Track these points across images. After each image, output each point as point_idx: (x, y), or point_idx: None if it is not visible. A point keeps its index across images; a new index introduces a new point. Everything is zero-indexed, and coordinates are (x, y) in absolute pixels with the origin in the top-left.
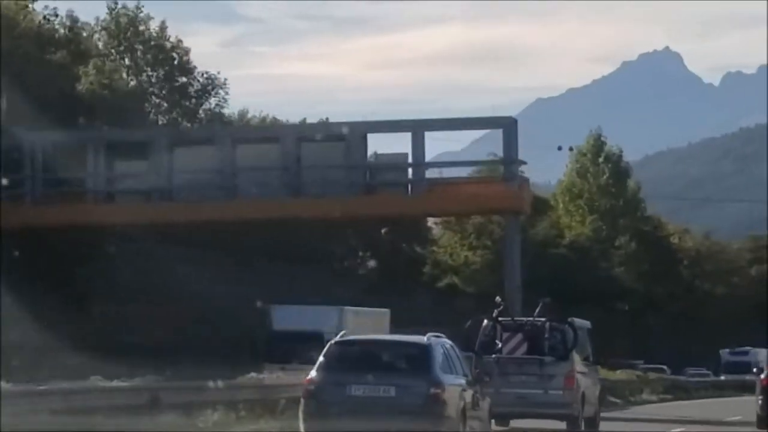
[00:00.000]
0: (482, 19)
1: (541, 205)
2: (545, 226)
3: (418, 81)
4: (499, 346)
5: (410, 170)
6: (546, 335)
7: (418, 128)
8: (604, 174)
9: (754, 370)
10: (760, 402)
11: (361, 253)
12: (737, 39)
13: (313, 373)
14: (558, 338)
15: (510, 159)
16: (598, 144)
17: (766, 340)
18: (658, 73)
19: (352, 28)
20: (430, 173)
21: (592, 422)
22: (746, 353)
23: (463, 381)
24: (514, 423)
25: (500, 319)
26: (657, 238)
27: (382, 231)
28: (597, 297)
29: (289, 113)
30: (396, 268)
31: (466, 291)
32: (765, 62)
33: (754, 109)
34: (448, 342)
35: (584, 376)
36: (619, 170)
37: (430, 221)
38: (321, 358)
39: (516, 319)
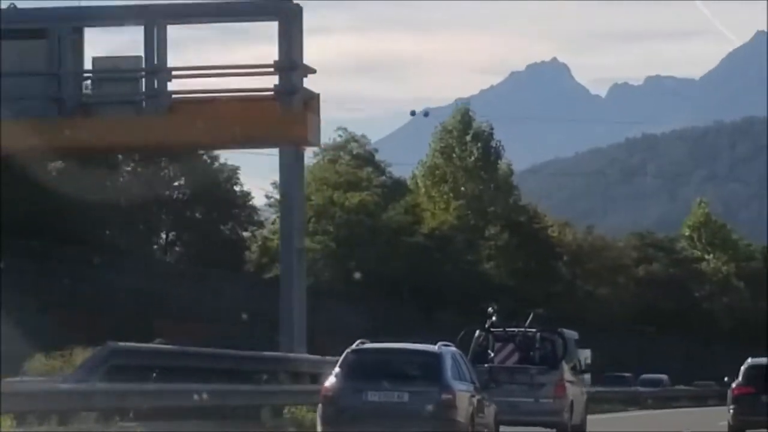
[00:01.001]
0: (369, 31)
1: (399, 188)
2: (400, 211)
3: None
4: (492, 355)
5: (144, 81)
6: (537, 345)
7: (153, 17)
8: (472, 155)
9: (725, 379)
10: (731, 412)
11: (165, 235)
12: (623, 52)
13: (331, 380)
14: (548, 348)
15: (289, 63)
16: (465, 120)
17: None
18: (545, 83)
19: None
20: (179, 86)
21: (579, 429)
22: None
23: (471, 387)
24: (504, 429)
25: (492, 329)
26: (533, 230)
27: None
28: (462, 294)
29: None
30: (211, 255)
31: None
32: (651, 74)
33: (640, 119)
34: (457, 351)
35: (572, 384)
36: (489, 150)
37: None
38: (338, 366)
39: (508, 329)
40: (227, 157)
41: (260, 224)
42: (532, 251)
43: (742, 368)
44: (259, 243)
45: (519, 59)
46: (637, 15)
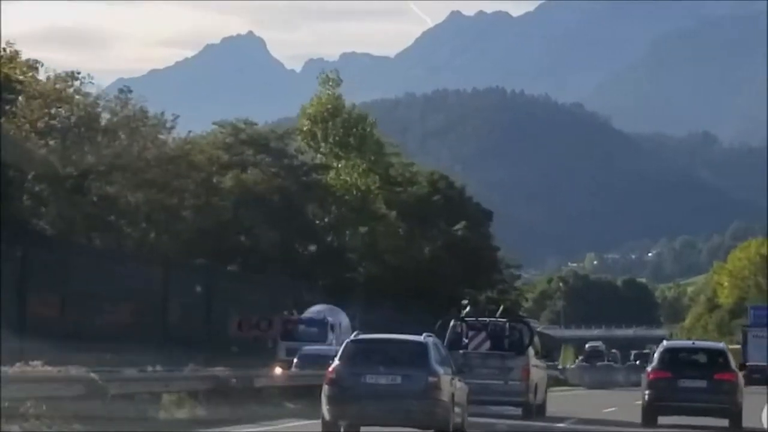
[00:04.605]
0: (56, 2)
1: None
2: None
3: None
4: (466, 342)
5: None
6: (506, 333)
7: None
8: None
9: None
10: (647, 397)
11: None
12: (319, 30)
13: (334, 365)
14: (516, 336)
15: None
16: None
17: None
18: (241, 57)
19: None
20: None
21: (541, 408)
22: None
23: (450, 371)
24: (475, 409)
25: (466, 319)
26: None
27: None
28: None
29: None
30: None
31: None
32: (347, 51)
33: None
34: (437, 339)
35: (537, 368)
36: None
37: None
38: (340, 352)
39: (480, 319)
40: None
41: None
42: None
43: (658, 351)
44: None
45: (214, 33)
46: None
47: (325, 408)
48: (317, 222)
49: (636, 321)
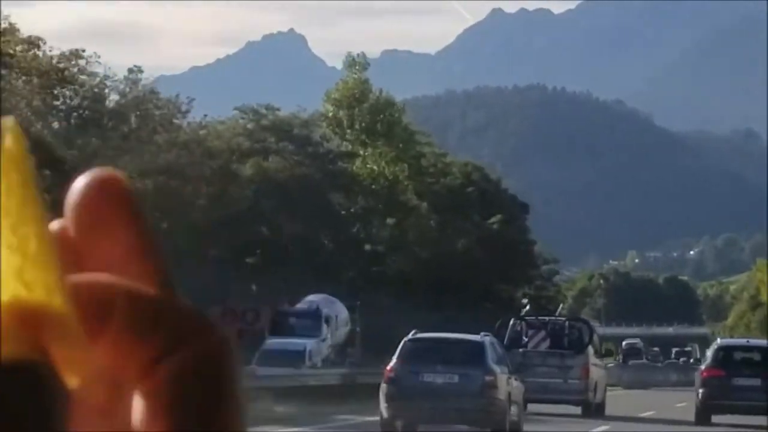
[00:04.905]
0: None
1: None
2: None
3: None
4: (526, 341)
5: None
6: (566, 332)
7: None
8: None
9: (691, 361)
10: (700, 395)
11: None
12: (360, 27)
13: (392, 363)
14: (576, 335)
15: None
16: None
17: None
18: (282, 54)
19: None
20: None
21: (600, 407)
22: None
23: (506, 370)
24: (534, 407)
25: (526, 317)
26: None
27: None
28: None
29: None
30: None
31: None
32: (388, 48)
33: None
34: (494, 338)
35: (596, 367)
36: None
37: None
38: (398, 351)
39: (539, 317)
40: None
41: None
42: None
43: (712, 349)
44: None
45: (255, 30)
46: None
47: (383, 406)
48: (342, 212)
49: (677, 319)
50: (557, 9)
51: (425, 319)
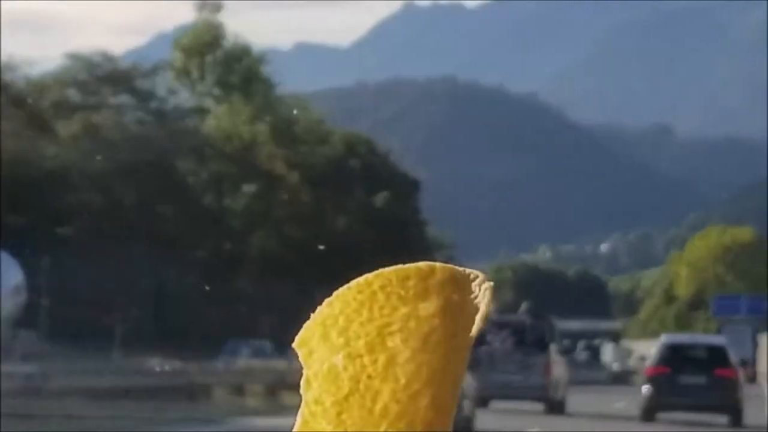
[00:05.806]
0: None
1: None
2: None
3: None
4: (489, 339)
5: None
6: (529, 330)
7: None
8: None
9: (643, 359)
10: (647, 393)
11: None
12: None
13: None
14: (538, 333)
15: None
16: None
17: None
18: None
19: None
20: None
21: (561, 404)
22: None
23: None
24: (497, 404)
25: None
26: None
27: None
28: None
29: None
30: None
31: None
32: (300, 40)
33: (287, 82)
34: None
35: (557, 364)
36: None
37: None
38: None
39: (503, 315)
40: None
41: None
42: None
43: (657, 346)
44: None
45: (165, 20)
46: None
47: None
48: (190, 179)
49: (587, 313)
50: (470, 3)
51: (295, 307)
